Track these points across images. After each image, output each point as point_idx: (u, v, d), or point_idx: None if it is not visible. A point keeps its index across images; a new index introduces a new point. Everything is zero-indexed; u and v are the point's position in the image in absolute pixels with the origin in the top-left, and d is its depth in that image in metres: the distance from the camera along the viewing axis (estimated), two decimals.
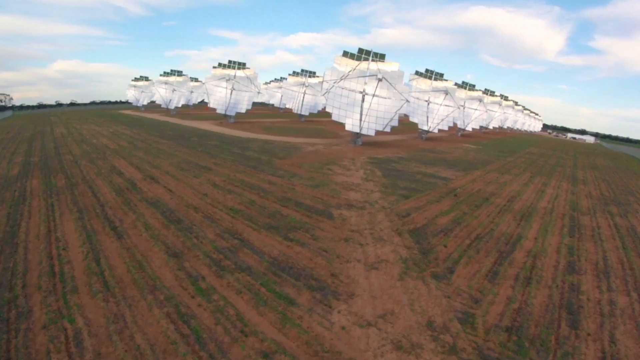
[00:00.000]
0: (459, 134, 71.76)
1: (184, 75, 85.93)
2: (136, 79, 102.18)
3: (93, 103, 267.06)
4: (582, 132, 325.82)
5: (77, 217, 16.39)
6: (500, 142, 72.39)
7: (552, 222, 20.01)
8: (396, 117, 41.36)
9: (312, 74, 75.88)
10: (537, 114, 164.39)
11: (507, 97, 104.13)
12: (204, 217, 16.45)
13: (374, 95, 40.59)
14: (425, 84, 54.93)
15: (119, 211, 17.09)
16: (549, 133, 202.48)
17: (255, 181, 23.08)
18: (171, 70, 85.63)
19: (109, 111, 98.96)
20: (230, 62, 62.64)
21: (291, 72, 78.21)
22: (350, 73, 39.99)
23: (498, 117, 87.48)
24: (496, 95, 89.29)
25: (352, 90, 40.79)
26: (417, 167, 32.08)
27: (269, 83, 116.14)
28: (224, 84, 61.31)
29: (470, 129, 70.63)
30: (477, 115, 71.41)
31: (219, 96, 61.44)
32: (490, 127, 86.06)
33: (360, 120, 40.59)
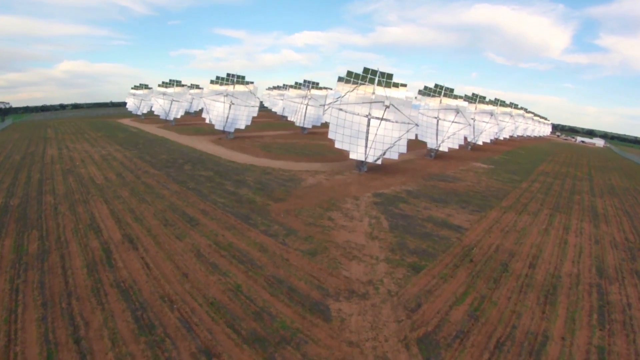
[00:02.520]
0: (469, 147, 68.75)
1: (183, 85, 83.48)
2: (136, 87, 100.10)
3: (96, 105, 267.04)
4: (590, 133, 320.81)
5: (41, 316, 14.07)
6: (511, 158, 69.33)
7: (579, 302, 17.38)
8: (404, 144, 38.68)
9: (314, 85, 73.04)
10: (545, 119, 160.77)
11: (517, 105, 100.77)
12: (180, 320, 14.02)
13: (381, 119, 37.93)
14: (434, 101, 52.01)
15: (86, 305, 14.74)
16: (557, 136, 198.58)
17: (245, 245, 20.62)
18: (170, 81, 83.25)
19: (109, 120, 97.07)
20: (228, 75, 60.11)
21: (293, 84, 75.36)
22: (354, 98, 37.32)
23: (509, 127, 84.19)
24: (507, 105, 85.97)
25: (357, 114, 38.13)
26: (427, 209, 29.41)
27: (272, 89, 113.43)
28: (222, 98, 58.81)
29: (481, 143, 67.60)
30: (488, 129, 68.41)
31: (216, 112, 59.01)
32: (501, 137, 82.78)
33: (366, 148, 37.93)
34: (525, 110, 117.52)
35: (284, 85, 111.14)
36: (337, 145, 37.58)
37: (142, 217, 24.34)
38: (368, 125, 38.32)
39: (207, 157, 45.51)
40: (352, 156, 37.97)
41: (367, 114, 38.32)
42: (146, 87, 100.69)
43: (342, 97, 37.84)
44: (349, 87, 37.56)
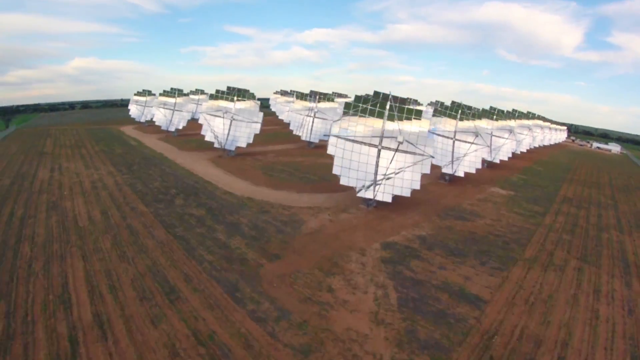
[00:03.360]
0: (485, 165, 64.71)
1: (185, 94, 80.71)
2: (139, 93, 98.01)
3: (105, 105, 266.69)
4: (605, 136, 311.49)
5: None
6: (530, 178, 65.11)
7: None
8: (418, 179, 35.22)
9: (322, 96, 69.54)
10: (561, 124, 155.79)
11: (534, 114, 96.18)
12: None
13: (394, 151, 34.47)
14: (449, 124, 48.25)
15: None
16: (572, 140, 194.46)
17: (228, 337, 17.60)
18: (171, 89, 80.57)
19: (112, 128, 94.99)
20: (229, 90, 56.99)
21: (300, 89, 71.83)
22: (362, 129, 33.94)
23: (526, 141, 79.76)
24: (524, 116, 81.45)
25: (365, 144, 34.77)
26: (441, 268, 25.95)
27: (279, 94, 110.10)
28: (221, 113, 55.85)
29: (498, 161, 63.58)
30: (506, 145, 64.45)
31: (216, 130, 56.11)
32: (519, 151, 78.31)
33: (375, 184, 34.58)
34: (543, 118, 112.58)
35: (291, 91, 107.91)
36: (343, 181, 34.32)
37: (119, 285, 21.52)
38: (378, 156, 34.88)
39: (203, 186, 42.63)
40: (360, 194, 34.64)
41: (378, 144, 34.87)
42: (149, 93, 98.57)
43: (345, 118, 34.55)
44: (355, 120, 34.14)
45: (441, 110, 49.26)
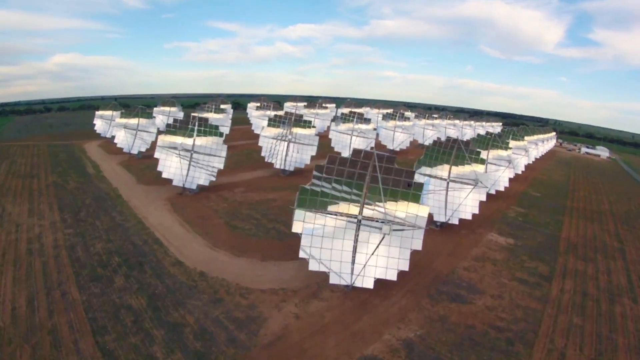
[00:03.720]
0: None
1: (150, 116, 72.62)
2: (104, 107, 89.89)
3: (82, 107, 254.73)
4: (590, 136, 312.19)
5: None
6: (529, 211, 59.64)
7: None
8: (407, 257, 28.85)
9: (298, 119, 62.38)
10: (551, 132, 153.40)
11: (526, 125, 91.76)
12: None
13: (381, 239, 27.88)
14: (443, 171, 42.02)
15: None
16: (560, 144, 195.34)
17: None
18: (134, 107, 72.52)
19: (75, 145, 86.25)
20: (191, 119, 49.54)
21: (272, 117, 64.27)
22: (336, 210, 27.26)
23: (522, 161, 74.40)
24: (518, 137, 75.96)
25: (341, 217, 28.12)
26: None
27: (257, 108, 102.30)
28: (179, 150, 48.58)
29: (494, 192, 57.90)
30: (505, 174, 58.99)
31: (173, 170, 48.85)
32: (513, 174, 72.87)
33: (352, 268, 28.06)
34: (537, 128, 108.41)
35: (267, 104, 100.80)
36: (312, 266, 27.67)
37: None
38: (357, 230, 28.31)
39: (151, 250, 35.69)
40: (333, 280, 28.04)
41: (357, 214, 28.21)
42: (116, 108, 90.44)
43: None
44: (328, 188, 27.34)
45: (435, 151, 42.88)
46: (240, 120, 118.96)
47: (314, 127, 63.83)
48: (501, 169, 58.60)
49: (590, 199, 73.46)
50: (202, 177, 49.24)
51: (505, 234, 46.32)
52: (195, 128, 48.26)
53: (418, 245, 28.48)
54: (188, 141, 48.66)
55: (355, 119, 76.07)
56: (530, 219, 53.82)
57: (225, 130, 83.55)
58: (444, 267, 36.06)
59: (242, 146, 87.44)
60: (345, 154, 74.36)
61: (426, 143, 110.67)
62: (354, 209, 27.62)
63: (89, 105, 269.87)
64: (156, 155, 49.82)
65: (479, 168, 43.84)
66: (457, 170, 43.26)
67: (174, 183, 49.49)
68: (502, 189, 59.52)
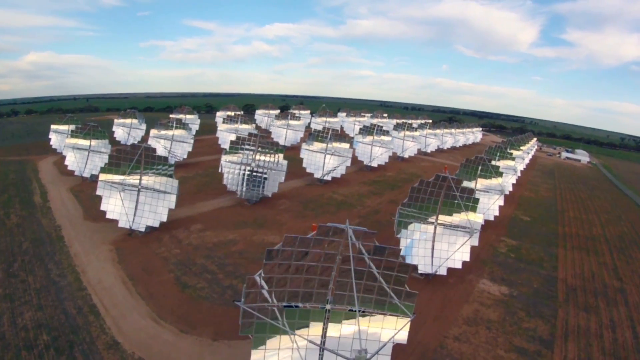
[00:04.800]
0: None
1: (102, 136, 64.72)
2: (60, 119, 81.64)
3: (51, 110, 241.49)
4: (568, 137, 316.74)
5: None
6: (521, 243, 55.05)
7: None
8: (390, 347, 22.93)
9: (264, 146, 55.61)
10: (532, 139, 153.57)
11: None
12: None
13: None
14: (429, 229, 36.54)
15: None
16: (539, 148, 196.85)
17: None
18: (85, 125, 64.61)
19: (27, 165, 77.30)
20: (138, 149, 42.37)
21: (234, 140, 57.13)
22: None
23: (511, 180, 70.16)
24: (507, 155, 71.61)
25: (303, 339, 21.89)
26: None
27: (225, 121, 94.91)
28: (129, 188, 41.63)
29: (483, 223, 52.90)
30: (497, 202, 54.45)
31: (119, 210, 41.88)
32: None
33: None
34: (521, 138, 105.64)
35: (235, 115, 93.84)
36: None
37: None
38: (326, 321, 22.06)
39: (85, 324, 28.87)
40: None
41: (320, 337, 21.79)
42: (73, 120, 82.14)
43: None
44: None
45: (417, 196, 37.20)
46: (210, 128, 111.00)
47: (282, 150, 57.41)
48: (492, 197, 53.77)
49: (581, 221, 69.68)
50: (150, 218, 42.32)
51: (498, 280, 41.13)
52: (142, 164, 41.19)
53: (404, 336, 22.63)
54: (134, 180, 41.71)
55: (329, 136, 69.92)
56: (523, 255, 48.97)
57: (188, 147, 76.42)
58: (430, 339, 30.37)
59: (207, 163, 79.84)
60: (318, 175, 68.49)
61: (406, 156, 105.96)
62: (316, 329, 21.20)
63: (57, 108, 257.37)
64: (98, 192, 42.67)
65: (474, 217, 38.45)
66: (448, 215, 37.89)
67: (120, 224, 42.46)
68: (491, 218, 54.68)
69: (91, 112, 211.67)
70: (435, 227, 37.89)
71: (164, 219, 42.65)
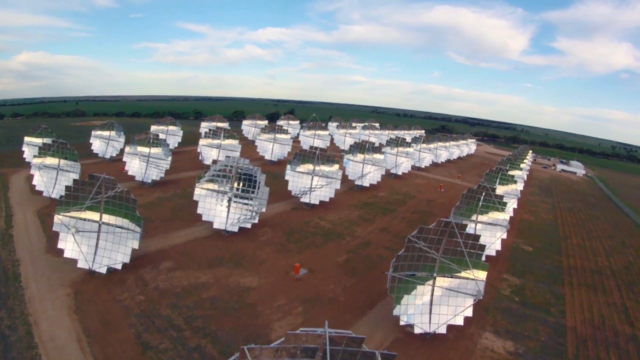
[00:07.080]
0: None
1: (73, 156, 59.61)
2: (33, 132, 76.25)
3: (36, 113, 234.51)
4: (561, 147, 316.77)
5: None
6: (525, 282, 51.06)
7: None
8: None
9: (242, 177, 50.90)
10: (527, 151, 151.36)
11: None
12: None
13: None
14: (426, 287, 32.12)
15: None
16: (534, 159, 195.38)
17: None
18: (54, 142, 59.55)
19: (1, 175, 71.97)
20: (97, 180, 37.48)
21: (209, 170, 52.18)
22: None
23: (512, 203, 66.31)
24: (506, 178, 67.97)
25: None
26: None
27: (206, 135, 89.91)
28: (85, 224, 36.79)
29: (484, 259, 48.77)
30: (499, 238, 50.50)
31: (77, 249, 37.08)
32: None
33: None
34: (520, 164, 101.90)
35: (218, 128, 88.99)
36: None
37: None
38: None
39: None
40: None
41: None
42: (47, 133, 77.00)
43: None
44: None
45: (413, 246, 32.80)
46: (194, 138, 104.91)
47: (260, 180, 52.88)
48: (496, 233, 49.85)
49: (585, 249, 65.93)
50: (112, 258, 37.51)
51: (503, 334, 36.79)
52: (102, 197, 36.38)
53: None
54: (95, 216, 36.95)
55: (317, 158, 65.43)
56: (527, 298, 44.80)
57: (166, 165, 71.41)
58: None
59: (186, 181, 74.21)
60: (305, 199, 64.13)
61: (399, 172, 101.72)
62: None
63: (44, 112, 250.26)
64: (55, 228, 37.83)
65: (481, 274, 34.29)
66: (449, 267, 33.68)
67: (79, 265, 37.60)
68: (493, 253, 50.54)
69: (77, 117, 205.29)
70: (433, 290, 33.75)
71: (127, 259, 37.76)
